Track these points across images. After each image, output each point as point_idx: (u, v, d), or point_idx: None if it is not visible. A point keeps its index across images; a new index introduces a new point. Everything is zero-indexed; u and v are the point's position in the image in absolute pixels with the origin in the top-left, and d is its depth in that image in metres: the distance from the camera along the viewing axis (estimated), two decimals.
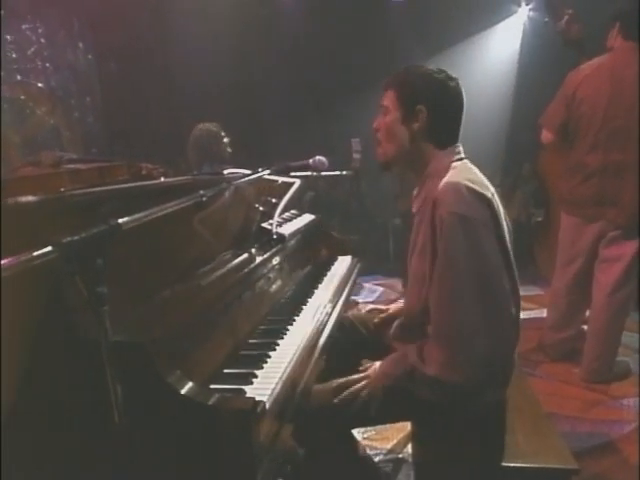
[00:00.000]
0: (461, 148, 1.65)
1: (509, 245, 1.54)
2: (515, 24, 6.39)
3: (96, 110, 5.18)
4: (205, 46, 5.47)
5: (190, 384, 1.11)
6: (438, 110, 1.60)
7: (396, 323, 1.89)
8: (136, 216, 1.04)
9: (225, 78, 5.70)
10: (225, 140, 3.80)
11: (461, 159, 1.62)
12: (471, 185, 1.47)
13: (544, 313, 3.77)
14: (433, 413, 1.57)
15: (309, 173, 2.02)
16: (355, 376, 1.66)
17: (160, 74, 5.46)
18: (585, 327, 3.36)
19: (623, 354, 3.37)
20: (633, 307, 3.39)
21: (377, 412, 1.60)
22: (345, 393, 1.61)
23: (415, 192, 1.69)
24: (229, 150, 3.80)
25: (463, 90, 1.63)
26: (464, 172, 1.55)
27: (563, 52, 3.51)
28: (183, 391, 1.08)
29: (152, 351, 1.10)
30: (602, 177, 3.01)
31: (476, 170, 1.61)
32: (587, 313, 3.36)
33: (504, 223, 1.55)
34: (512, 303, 1.52)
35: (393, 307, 2.09)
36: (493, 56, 6.35)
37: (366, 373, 1.66)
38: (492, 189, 1.56)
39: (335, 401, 1.60)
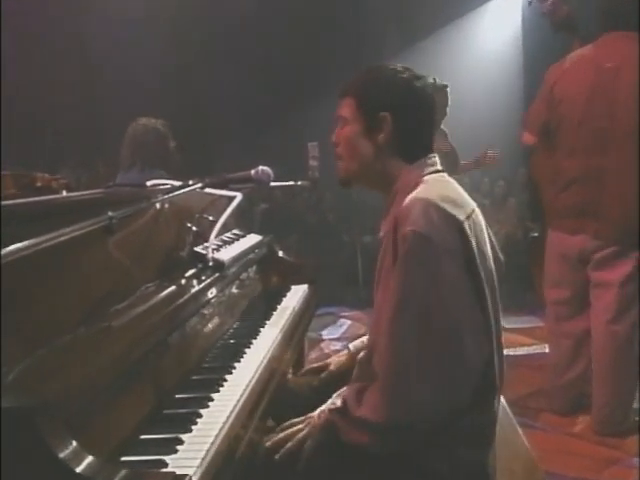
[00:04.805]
0: (436, 159, 1.67)
1: (489, 275, 1.55)
2: None
3: None
4: (133, 23, 5.40)
5: (89, 459, 1.06)
6: (405, 116, 1.63)
7: (359, 358, 1.88)
8: (21, 245, 1.00)
9: (158, 62, 5.66)
10: (172, 145, 3.69)
11: (436, 172, 1.64)
12: (440, 203, 1.48)
13: (546, 348, 3.81)
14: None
15: (251, 185, 2.02)
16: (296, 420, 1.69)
17: (74, 53, 5.33)
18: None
19: None
20: None
21: (310, 455, 1.59)
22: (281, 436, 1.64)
23: (383, 214, 1.71)
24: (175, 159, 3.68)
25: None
26: (436, 187, 1.57)
27: None
28: (79, 469, 1.04)
29: (41, 418, 1.04)
30: (583, 185, 3.11)
31: (454, 185, 1.63)
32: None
33: (483, 250, 1.55)
34: (480, 345, 1.50)
35: (334, 361, 2.07)
36: (488, 40, 6.33)
37: (308, 415, 1.68)
38: (472, 207, 1.58)
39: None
